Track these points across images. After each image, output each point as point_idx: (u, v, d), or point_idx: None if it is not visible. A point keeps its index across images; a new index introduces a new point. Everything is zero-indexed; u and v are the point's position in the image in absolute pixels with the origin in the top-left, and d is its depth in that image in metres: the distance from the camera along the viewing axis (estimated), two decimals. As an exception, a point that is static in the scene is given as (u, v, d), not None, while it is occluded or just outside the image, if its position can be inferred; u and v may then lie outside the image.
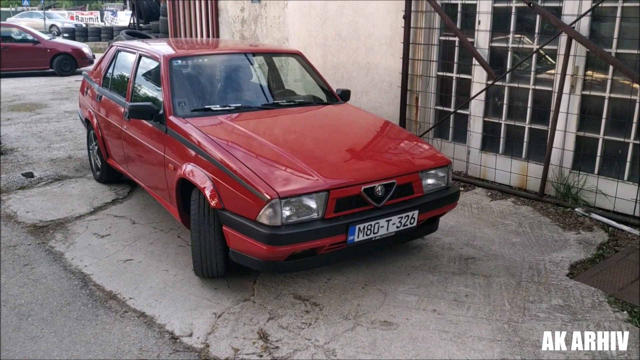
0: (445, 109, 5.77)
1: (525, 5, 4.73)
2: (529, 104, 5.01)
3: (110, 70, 5.05)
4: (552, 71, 4.86)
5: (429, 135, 5.82)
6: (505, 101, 5.19)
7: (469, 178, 5.48)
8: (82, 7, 43.76)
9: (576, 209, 4.57)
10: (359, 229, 3.11)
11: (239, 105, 4.07)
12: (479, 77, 5.33)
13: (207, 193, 3.18)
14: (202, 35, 9.22)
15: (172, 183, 3.62)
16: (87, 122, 5.45)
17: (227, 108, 3.97)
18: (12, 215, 4.52)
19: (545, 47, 4.77)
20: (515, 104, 5.17)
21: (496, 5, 5.12)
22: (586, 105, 4.66)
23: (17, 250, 3.90)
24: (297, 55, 4.84)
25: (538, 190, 4.89)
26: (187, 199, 3.48)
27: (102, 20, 33.10)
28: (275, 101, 4.35)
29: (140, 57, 4.48)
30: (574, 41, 4.48)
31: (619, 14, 4.33)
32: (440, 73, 5.77)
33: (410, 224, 3.35)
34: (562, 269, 3.65)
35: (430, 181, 3.52)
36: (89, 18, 33.88)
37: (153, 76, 4.26)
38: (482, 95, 5.29)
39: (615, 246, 4.00)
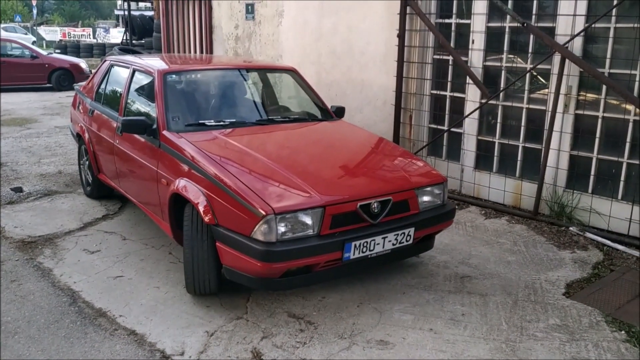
0: (439, 127, 5.78)
1: (519, 25, 4.77)
2: (523, 123, 5.02)
3: (103, 85, 5.01)
4: (546, 90, 4.88)
5: (423, 153, 5.82)
6: (499, 120, 5.21)
7: (463, 196, 5.46)
8: (75, 24, 43.88)
9: (571, 228, 4.56)
10: (355, 246, 3.07)
11: (233, 120, 4.04)
12: (472, 95, 5.35)
13: (201, 208, 3.13)
14: (195, 52, 9.22)
15: (165, 198, 3.57)
16: (79, 137, 5.40)
17: (221, 123, 3.94)
18: (0, 231, 4.43)
19: (539, 66, 4.80)
20: (509, 123, 5.19)
21: (490, 24, 5.16)
22: (580, 125, 4.68)
23: (4, 266, 3.81)
24: (292, 71, 4.83)
25: (532, 209, 4.88)
26: (180, 214, 3.42)
27: (94, 37, 33.19)
28: (269, 117, 4.32)
29: (134, 71, 4.45)
30: (567, 61, 4.51)
31: (611, 34, 4.37)
32: (434, 91, 5.79)
33: (406, 241, 3.31)
34: (558, 288, 3.62)
35: (426, 198, 3.49)
36: (81, 35, 33.96)
37: (147, 91, 4.22)
38: (476, 114, 5.30)
39: (611, 265, 3.98)
